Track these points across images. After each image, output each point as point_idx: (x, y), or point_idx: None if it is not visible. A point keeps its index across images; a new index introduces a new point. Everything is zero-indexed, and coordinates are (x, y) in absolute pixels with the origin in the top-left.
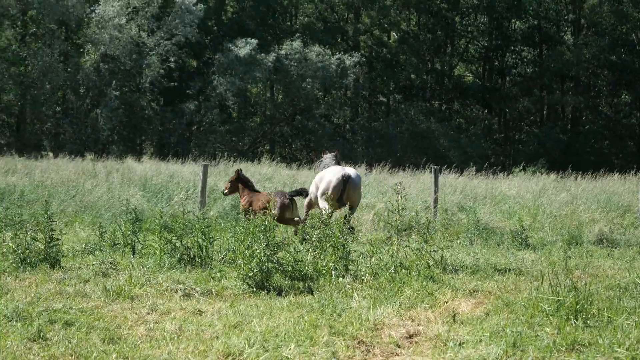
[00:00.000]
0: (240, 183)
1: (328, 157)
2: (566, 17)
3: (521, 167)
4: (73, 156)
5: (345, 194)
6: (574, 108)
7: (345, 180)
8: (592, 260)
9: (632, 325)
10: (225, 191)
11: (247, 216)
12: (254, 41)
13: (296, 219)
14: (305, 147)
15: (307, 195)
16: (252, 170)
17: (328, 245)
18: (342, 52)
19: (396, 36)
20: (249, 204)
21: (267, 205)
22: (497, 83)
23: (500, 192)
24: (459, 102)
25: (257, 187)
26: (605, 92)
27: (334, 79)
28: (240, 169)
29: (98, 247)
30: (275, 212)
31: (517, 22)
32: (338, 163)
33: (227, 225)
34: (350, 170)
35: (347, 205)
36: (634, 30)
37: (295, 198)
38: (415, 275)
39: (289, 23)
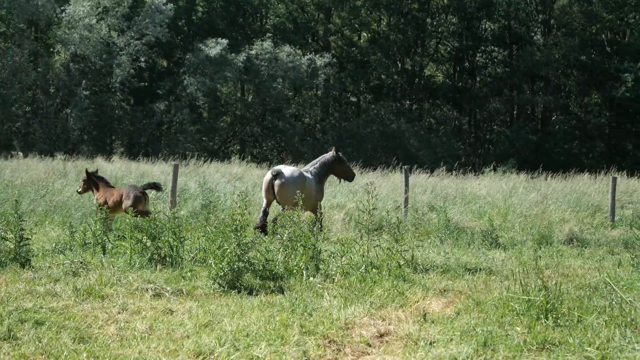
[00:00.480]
0: (92, 182)
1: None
2: (536, 18)
3: (491, 167)
4: (43, 156)
5: (274, 192)
6: (544, 108)
7: (274, 177)
8: (562, 260)
9: (602, 324)
10: (79, 190)
11: (102, 210)
12: (225, 41)
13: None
14: (276, 147)
15: (160, 189)
16: (222, 170)
17: (299, 244)
18: (312, 53)
19: (367, 36)
20: (104, 200)
21: (120, 199)
22: (468, 83)
23: (471, 192)
24: (429, 102)
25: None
26: (575, 92)
27: (304, 79)
28: (95, 170)
29: (68, 246)
30: (128, 203)
31: (488, 23)
32: (329, 163)
33: (198, 225)
34: (285, 169)
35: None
36: (604, 30)
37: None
38: (386, 274)
39: (259, 23)
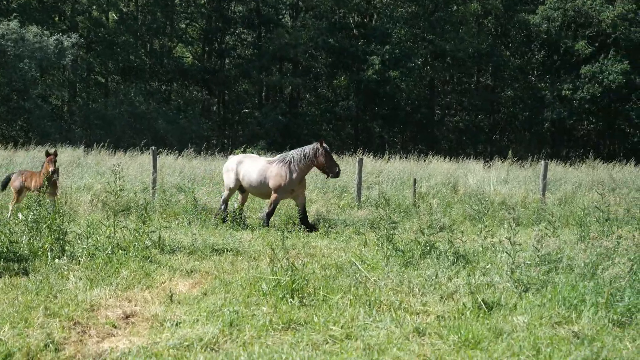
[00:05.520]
0: None
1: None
2: (285, 1)
3: (242, 149)
4: None
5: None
6: (292, 90)
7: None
8: (309, 240)
9: (347, 303)
10: None
11: None
12: None
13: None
14: (23, 127)
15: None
16: None
17: (44, 226)
18: (60, 33)
19: (115, 17)
20: None
21: None
22: (217, 64)
23: (219, 173)
24: (179, 83)
25: None
26: (324, 74)
27: (51, 59)
28: None
29: None
30: None
31: (237, 5)
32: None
33: None
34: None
35: None
36: (351, 13)
37: None
38: (133, 256)
39: (5, 2)
